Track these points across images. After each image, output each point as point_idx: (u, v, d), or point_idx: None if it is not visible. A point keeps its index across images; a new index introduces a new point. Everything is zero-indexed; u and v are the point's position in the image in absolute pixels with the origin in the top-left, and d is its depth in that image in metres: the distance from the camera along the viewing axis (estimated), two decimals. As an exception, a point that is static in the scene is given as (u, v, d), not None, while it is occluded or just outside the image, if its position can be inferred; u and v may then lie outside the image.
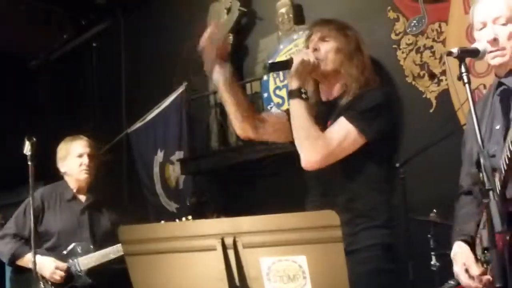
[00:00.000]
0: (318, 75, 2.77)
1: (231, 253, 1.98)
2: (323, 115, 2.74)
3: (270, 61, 2.81)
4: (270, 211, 2.00)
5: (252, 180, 5.92)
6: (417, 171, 4.38)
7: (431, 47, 4.96)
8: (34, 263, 3.88)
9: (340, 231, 1.87)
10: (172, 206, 6.65)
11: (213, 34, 2.72)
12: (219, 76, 2.75)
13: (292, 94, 2.65)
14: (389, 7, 5.17)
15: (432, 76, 4.89)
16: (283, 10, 5.75)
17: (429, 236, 4.17)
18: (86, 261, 4.32)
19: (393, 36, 5.15)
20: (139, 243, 2.08)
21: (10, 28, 7.37)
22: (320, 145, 2.57)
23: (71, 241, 4.37)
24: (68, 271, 4.30)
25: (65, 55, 8.13)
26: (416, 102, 4.98)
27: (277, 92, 5.34)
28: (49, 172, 4.73)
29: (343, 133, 2.58)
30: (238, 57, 6.24)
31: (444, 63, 4.79)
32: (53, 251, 4.34)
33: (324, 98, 2.84)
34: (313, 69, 2.70)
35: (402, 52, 5.08)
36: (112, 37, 7.72)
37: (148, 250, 2.06)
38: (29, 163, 3.84)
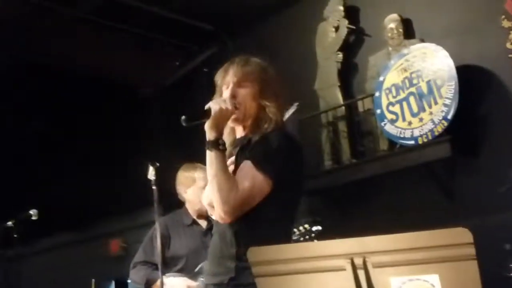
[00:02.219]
0: (235, 121, 2.69)
1: (361, 273, 1.96)
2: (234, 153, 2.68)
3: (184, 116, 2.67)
4: (387, 230, 1.98)
5: (368, 198, 5.85)
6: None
7: (549, 55, 4.80)
8: (162, 283, 4.03)
9: (473, 248, 1.82)
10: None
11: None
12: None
13: (209, 145, 2.57)
14: (503, 16, 5.03)
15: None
16: (392, 25, 5.69)
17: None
18: None
19: (508, 45, 4.99)
20: (268, 264, 2.09)
21: (121, 59, 7.64)
22: (232, 197, 2.49)
23: (198, 261, 4.51)
24: None
25: (177, 82, 8.34)
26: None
27: (390, 108, 5.25)
28: (167, 197, 4.86)
29: (251, 180, 2.51)
30: (348, 74, 6.23)
31: None
32: (183, 273, 4.49)
33: (237, 135, 2.77)
34: (230, 117, 2.64)
35: (519, 62, 4.94)
36: (221, 61, 7.81)
37: (278, 271, 2.07)
38: (153, 187, 3.94)
